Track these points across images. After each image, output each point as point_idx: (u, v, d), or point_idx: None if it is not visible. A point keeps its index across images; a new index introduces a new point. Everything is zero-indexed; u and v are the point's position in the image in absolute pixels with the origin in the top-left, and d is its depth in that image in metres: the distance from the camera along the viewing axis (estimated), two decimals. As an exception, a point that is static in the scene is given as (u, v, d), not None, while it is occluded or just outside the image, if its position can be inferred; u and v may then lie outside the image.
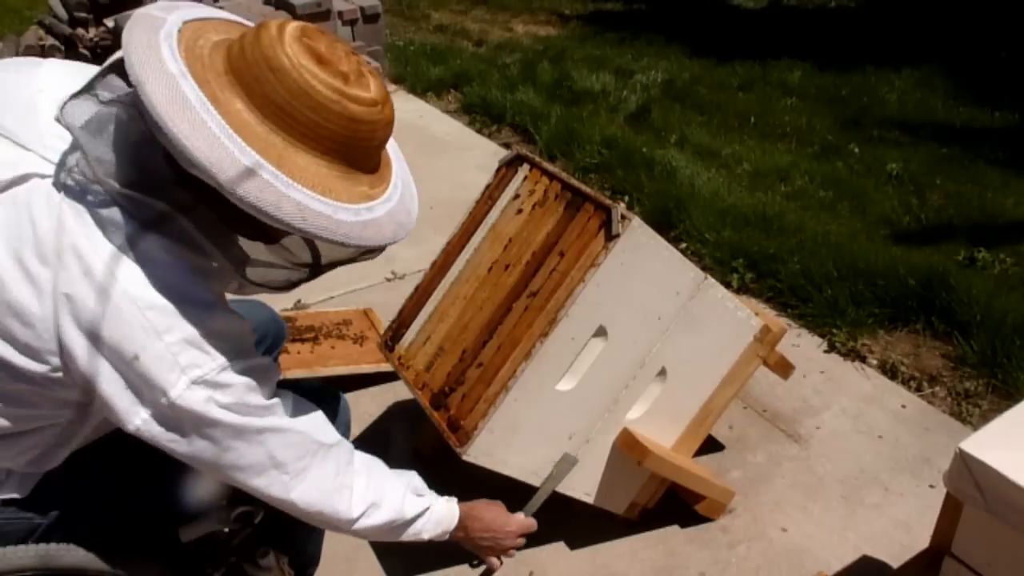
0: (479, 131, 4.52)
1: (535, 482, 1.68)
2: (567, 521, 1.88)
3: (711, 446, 2.13)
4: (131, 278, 0.93)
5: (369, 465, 1.25)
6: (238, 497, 1.28)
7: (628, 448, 1.72)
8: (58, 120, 0.93)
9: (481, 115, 4.69)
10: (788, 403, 2.32)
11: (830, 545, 1.87)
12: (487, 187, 1.87)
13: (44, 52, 4.29)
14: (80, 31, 4.40)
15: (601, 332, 1.61)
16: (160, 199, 0.94)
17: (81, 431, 1.09)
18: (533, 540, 1.86)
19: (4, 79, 1.05)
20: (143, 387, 0.95)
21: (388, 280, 2.99)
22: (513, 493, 1.70)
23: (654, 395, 1.75)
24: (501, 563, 1.57)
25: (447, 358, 1.71)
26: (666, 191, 3.40)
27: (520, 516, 1.58)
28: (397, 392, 2.32)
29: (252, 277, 1.06)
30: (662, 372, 1.73)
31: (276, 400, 1.07)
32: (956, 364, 2.45)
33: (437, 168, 3.97)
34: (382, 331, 1.99)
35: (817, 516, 1.95)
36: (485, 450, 1.58)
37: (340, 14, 4.97)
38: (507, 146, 4.14)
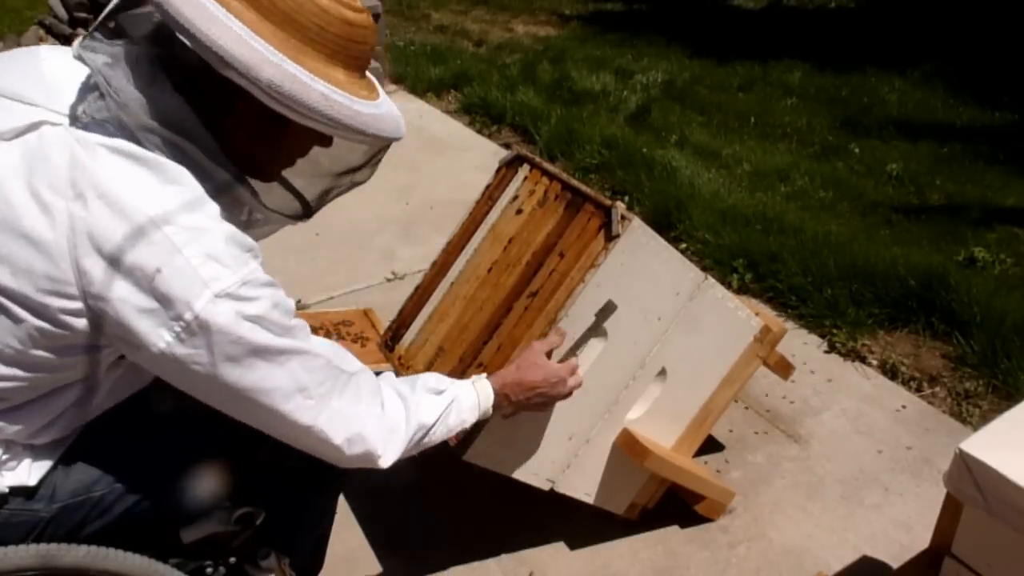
0: (479, 131, 4.52)
1: (535, 482, 1.68)
2: (567, 521, 1.88)
3: (711, 446, 2.13)
4: (146, 199, 0.96)
5: (391, 390, 1.25)
6: (240, 498, 1.29)
7: (628, 448, 1.72)
8: (77, 57, 1.00)
9: (481, 115, 4.69)
10: (788, 403, 2.32)
11: (830, 545, 1.87)
12: (487, 187, 1.87)
13: (44, 52, 4.30)
14: (80, 31, 4.40)
15: (601, 333, 1.61)
16: (173, 130, 0.99)
17: (93, 395, 1.11)
18: (533, 540, 1.88)
19: (8, 58, 1.11)
20: (167, 303, 0.97)
21: (388, 280, 2.99)
22: (514, 492, 1.70)
23: (654, 395, 1.75)
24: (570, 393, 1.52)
25: (447, 358, 1.71)
26: (666, 191, 3.40)
27: (556, 364, 1.49)
28: (397, 392, 2.32)
29: (266, 202, 1.11)
30: (662, 372, 1.73)
31: (299, 322, 1.09)
32: (956, 364, 2.45)
33: (437, 168, 3.98)
34: (382, 331, 1.99)
35: (817, 516, 1.95)
36: (485, 450, 1.58)
37: (340, 14, 4.97)
38: (507, 146, 4.14)
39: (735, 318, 1.78)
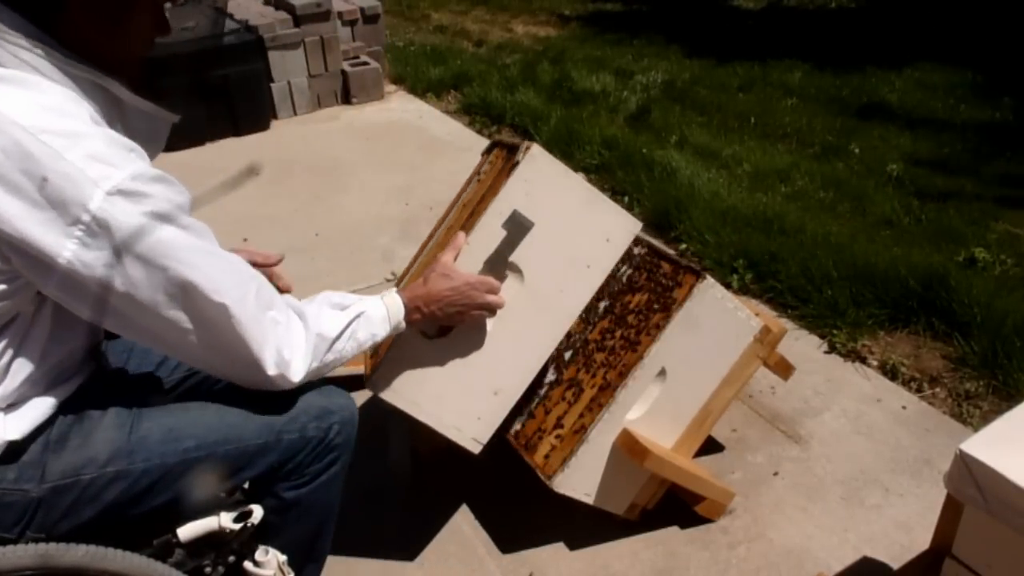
0: (479, 132, 4.52)
1: (459, 439, 1.59)
2: (567, 521, 1.88)
3: (711, 447, 2.13)
4: (16, 110, 0.97)
5: (286, 306, 1.21)
6: (238, 497, 1.29)
7: (628, 448, 1.71)
8: None
9: (481, 116, 4.69)
10: (788, 404, 2.32)
11: (830, 546, 1.86)
12: (473, 171, 1.91)
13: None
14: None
15: (515, 270, 1.56)
16: (8, 39, 0.99)
17: (31, 339, 1.09)
18: (533, 540, 1.87)
19: None
20: (61, 209, 0.97)
21: (388, 280, 2.99)
22: (514, 492, 1.70)
23: (654, 395, 1.75)
24: (492, 313, 1.50)
25: None
26: (666, 192, 3.40)
27: (467, 274, 1.46)
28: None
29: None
30: (662, 372, 1.73)
31: (199, 223, 1.08)
32: (956, 365, 2.44)
33: (437, 168, 3.97)
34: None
35: (817, 517, 1.94)
36: (391, 384, 1.51)
37: (340, 14, 4.98)
38: (507, 146, 4.14)
39: (735, 318, 1.77)
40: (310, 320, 1.22)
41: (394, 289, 1.40)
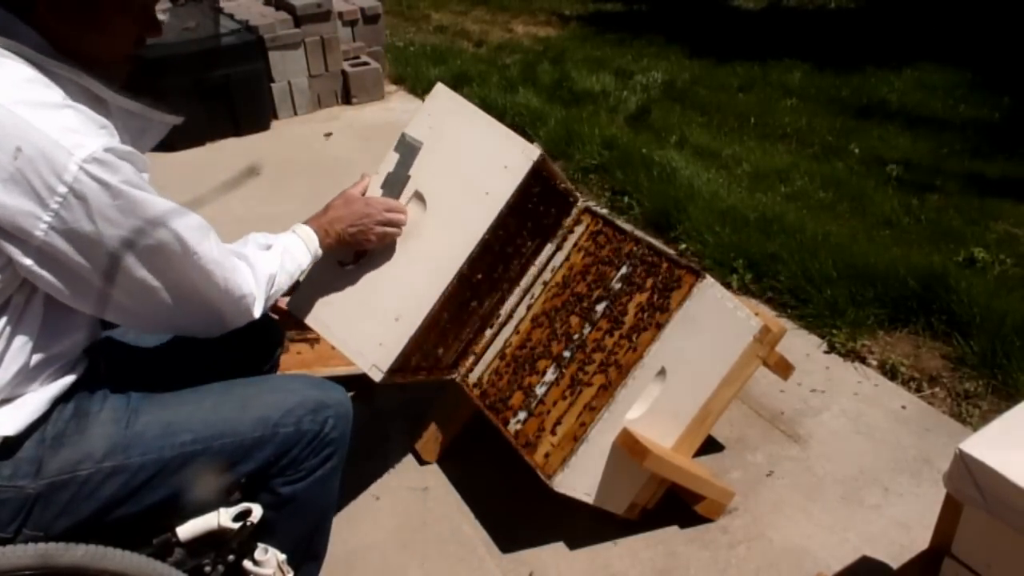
0: (479, 131, 4.52)
1: (360, 362, 1.61)
2: (567, 521, 1.88)
3: (711, 446, 2.13)
4: None
5: (231, 251, 1.29)
6: (237, 496, 1.29)
7: (628, 448, 1.71)
8: None
9: (481, 116, 4.69)
10: (788, 403, 2.32)
11: (830, 546, 1.86)
12: None
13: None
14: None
15: (419, 199, 1.64)
16: None
17: (20, 321, 1.09)
18: (533, 540, 1.88)
19: None
20: (36, 180, 0.98)
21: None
22: (515, 492, 1.70)
23: (654, 395, 1.75)
24: (396, 229, 1.60)
25: None
26: (666, 192, 3.40)
27: (366, 198, 1.58)
28: (397, 392, 2.32)
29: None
30: (662, 372, 1.73)
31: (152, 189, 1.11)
32: (956, 365, 2.44)
33: (437, 168, 3.98)
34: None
35: (817, 517, 1.94)
36: (306, 304, 1.60)
37: (340, 14, 4.98)
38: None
39: (735, 318, 1.77)
40: (252, 261, 1.29)
41: (299, 222, 1.49)
